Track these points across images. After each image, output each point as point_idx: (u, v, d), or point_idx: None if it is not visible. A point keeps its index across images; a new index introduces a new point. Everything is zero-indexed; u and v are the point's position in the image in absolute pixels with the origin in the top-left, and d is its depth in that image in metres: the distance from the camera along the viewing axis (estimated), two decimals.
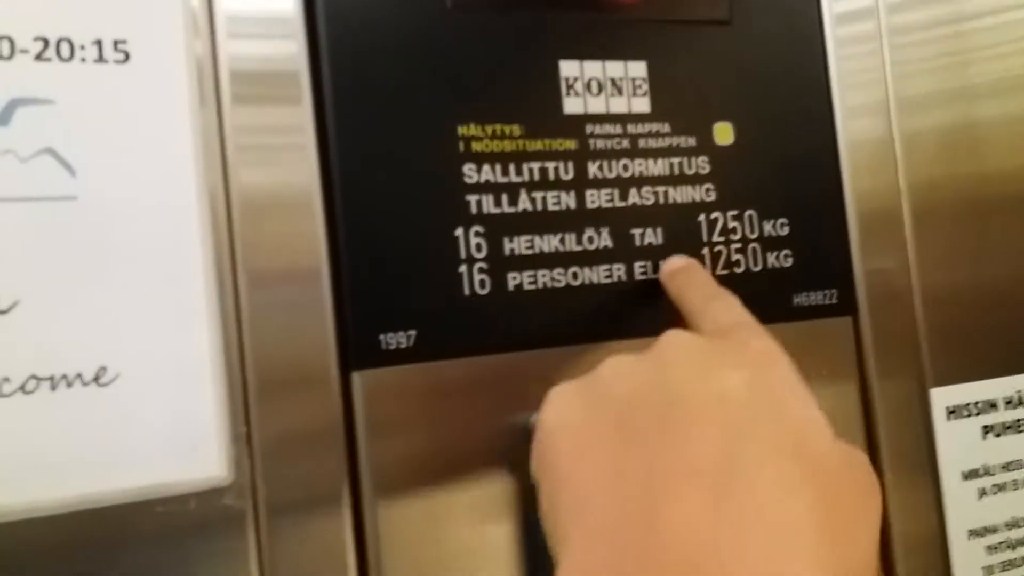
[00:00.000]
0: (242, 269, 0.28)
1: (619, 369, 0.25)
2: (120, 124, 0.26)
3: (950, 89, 0.41)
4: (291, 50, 0.29)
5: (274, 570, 0.27)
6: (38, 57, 0.25)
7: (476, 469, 0.30)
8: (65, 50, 0.25)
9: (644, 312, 0.33)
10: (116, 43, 0.26)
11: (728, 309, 0.29)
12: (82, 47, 0.25)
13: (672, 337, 0.26)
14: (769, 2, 0.37)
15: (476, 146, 0.31)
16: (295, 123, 0.29)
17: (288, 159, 0.29)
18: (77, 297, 0.25)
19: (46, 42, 0.25)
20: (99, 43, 0.26)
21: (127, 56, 0.26)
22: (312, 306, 0.28)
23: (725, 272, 0.35)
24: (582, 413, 0.25)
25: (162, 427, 0.26)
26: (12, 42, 0.25)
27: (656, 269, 0.33)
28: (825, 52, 0.38)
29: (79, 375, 0.25)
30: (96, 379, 0.25)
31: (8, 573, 0.24)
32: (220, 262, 0.27)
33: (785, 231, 0.36)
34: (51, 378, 0.25)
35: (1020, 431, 0.40)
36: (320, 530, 0.28)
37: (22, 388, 0.24)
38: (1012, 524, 0.39)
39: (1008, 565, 0.39)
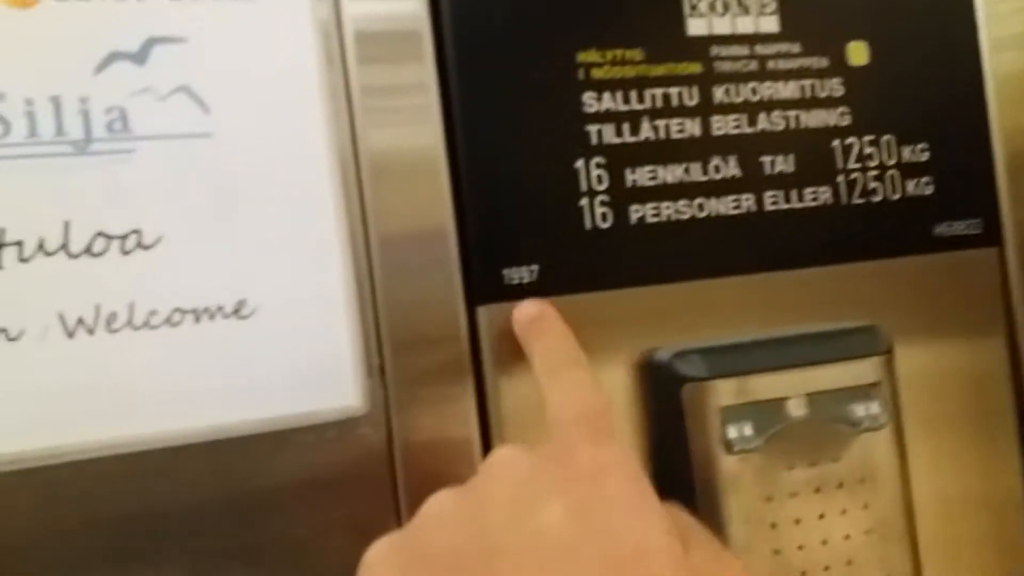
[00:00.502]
0: (371, 208, 0.28)
1: (438, 518, 0.23)
2: (249, 62, 0.26)
3: None
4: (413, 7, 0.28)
5: (409, 499, 0.27)
6: None
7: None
8: None
9: (775, 244, 0.32)
10: None
11: (568, 397, 0.25)
12: None
13: (498, 462, 0.23)
14: None
15: (596, 73, 0.30)
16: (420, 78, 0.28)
17: (414, 106, 0.28)
18: (216, 233, 0.26)
19: None
20: None
21: None
22: (439, 243, 0.28)
23: (862, 200, 0.33)
24: None
25: (300, 359, 0.27)
26: None
27: (788, 199, 0.32)
28: None
29: (220, 308, 0.26)
30: (236, 312, 0.26)
31: (154, 499, 0.26)
32: (350, 201, 0.27)
33: (925, 157, 0.34)
34: (194, 311, 0.25)
35: None
36: (450, 458, 0.28)
37: (168, 320, 0.25)
38: None
39: None
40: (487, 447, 0.29)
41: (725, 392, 0.29)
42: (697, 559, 0.22)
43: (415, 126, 0.28)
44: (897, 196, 0.33)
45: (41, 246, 0.24)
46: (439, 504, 0.23)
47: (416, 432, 0.28)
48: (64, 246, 0.24)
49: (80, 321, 0.24)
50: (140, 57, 0.25)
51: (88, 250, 0.25)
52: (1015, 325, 0.35)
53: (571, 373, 0.26)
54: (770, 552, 0.29)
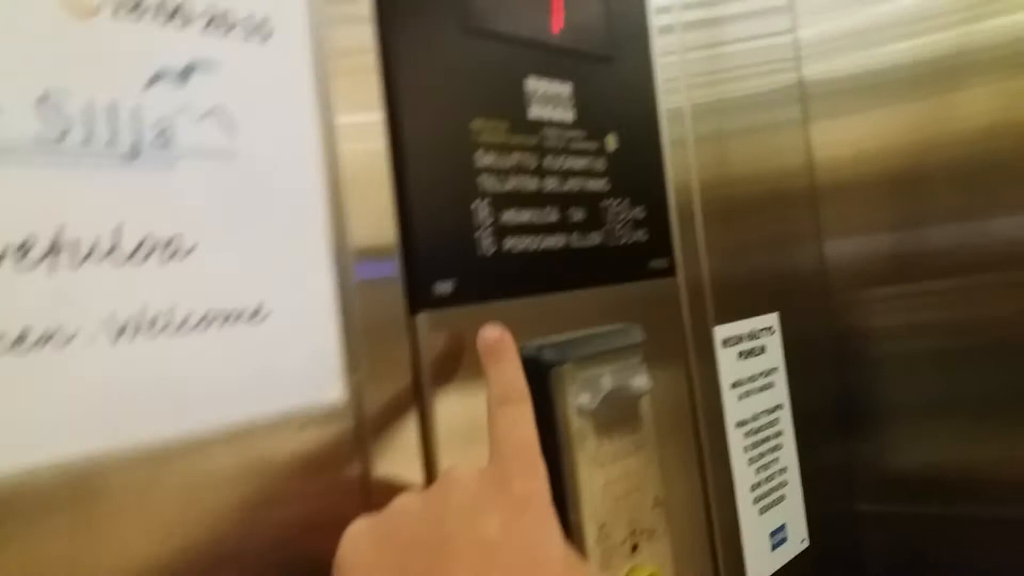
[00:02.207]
0: (345, 230, 0.33)
1: (407, 511, 0.30)
2: (266, 93, 0.30)
3: (711, 103, 0.59)
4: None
5: (374, 471, 0.33)
6: (206, 27, 0.28)
7: None
8: (226, 23, 0.28)
9: (578, 270, 0.44)
10: (263, 21, 0.29)
11: (511, 432, 0.32)
12: (237, 23, 0.29)
13: (453, 476, 0.30)
14: (630, 41, 0.51)
15: (482, 137, 0.39)
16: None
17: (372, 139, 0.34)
18: (239, 243, 0.28)
19: (212, 15, 0.28)
20: (251, 19, 0.29)
21: (271, 34, 0.30)
22: (389, 259, 0.35)
23: (615, 243, 0.48)
24: (372, 554, 0.29)
25: (302, 359, 0.30)
26: (186, 12, 0.27)
27: (583, 239, 0.45)
28: (655, 85, 0.53)
29: (242, 312, 0.28)
30: (254, 315, 0.29)
31: (178, 497, 0.27)
32: (332, 216, 0.32)
33: (643, 215, 0.50)
34: (223, 314, 0.28)
35: (755, 356, 0.60)
36: (397, 435, 0.34)
37: (203, 321, 0.27)
38: (754, 417, 0.59)
39: (754, 444, 0.59)
40: (424, 424, 0.35)
41: (573, 373, 0.40)
42: (582, 568, 0.31)
43: (374, 166, 0.34)
44: (632, 241, 0.49)
45: (93, 250, 0.24)
46: (408, 501, 0.30)
47: (376, 415, 0.33)
48: (113, 250, 0.25)
49: (127, 324, 0.25)
50: (183, 78, 0.27)
51: (135, 255, 0.25)
52: (684, 326, 0.54)
53: (516, 408, 0.33)
54: (602, 484, 0.41)
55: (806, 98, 0.71)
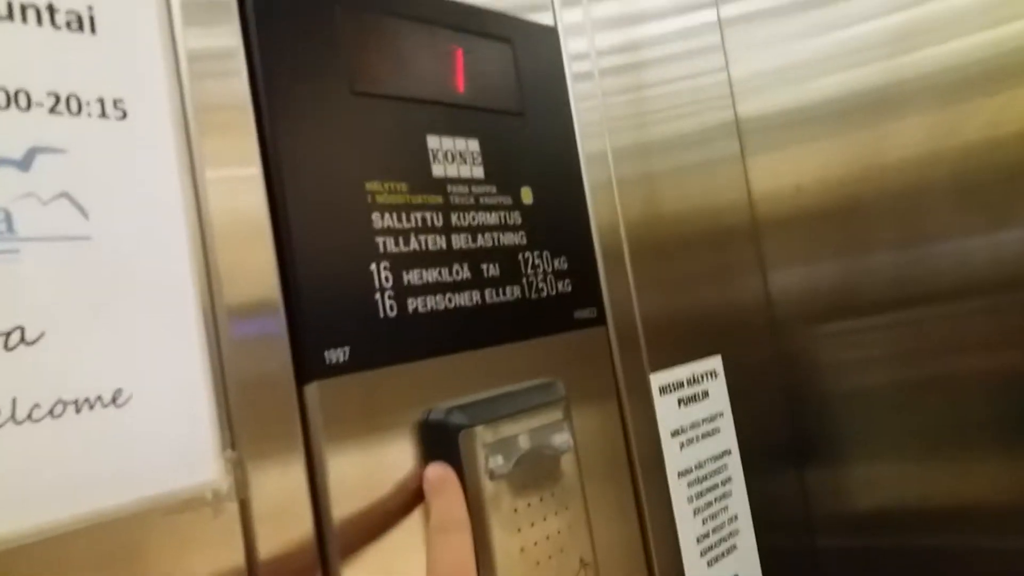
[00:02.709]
0: (219, 304, 0.32)
1: None
2: (122, 172, 0.29)
3: (637, 145, 0.59)
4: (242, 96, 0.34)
5: (255, 554, 0.31)
6: (51, 110, 0.27)
7: (401, 448, 0.37)
8: (74, 105, 0.28)
9: (493, 326, 0.43)
10: (115, 101, 0.29)
11: (447, 554, 0.34)
12: (88, 103, 0.28)
13: None
14: (544, 94, 0.50)
15: (379, 198, 0.39)
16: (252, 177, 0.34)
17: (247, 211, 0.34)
18: (94, 327, 0.27)
19: (57, 97, 0.27)
20: (101, 101, 0.28)
21: (125, 114, 0.29)
22: (273, 329, 0.34)
23: (536, 296, 0.47)
24: None
25: (170, 442, 0.29)
26: (29, 95, 0.27)
27: (498, 295, 0.44)
28: (574, 133, 0.52)
29: (99, 398, 0.27)
30: (114, 400, 0.28)
31: None
32: (201, 290, 0.31)
33: (566, 266, 0.50)
34: (75, 401, 0.27)
35: (697, 401, 0.59)
36: (288, 514, 0.33)
37: (51, 412, 0.26)
38: (698, 465, 0.58)
39: (699, 494, 0.57)
40: (317, 507, 0.34)
41: (484, 435, 0.39)
42: None
43: (254, 241, 0.34)
44: (554, 292, 0.48)
45: None
46: None
47: (262, 500, 0.32)
48: None
49: None
50: (24, 164, 0.26)
51: None
52: (616, 374, 0.53)
53: (454, 537, 0.35)
54: (518, 550, 0.40)
55: (743, 134, 0.71)
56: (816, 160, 0.68)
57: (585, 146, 0.53)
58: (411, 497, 0.37)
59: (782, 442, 0.69)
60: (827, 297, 0.68)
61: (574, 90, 0.53)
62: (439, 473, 0.37)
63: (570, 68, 0.53)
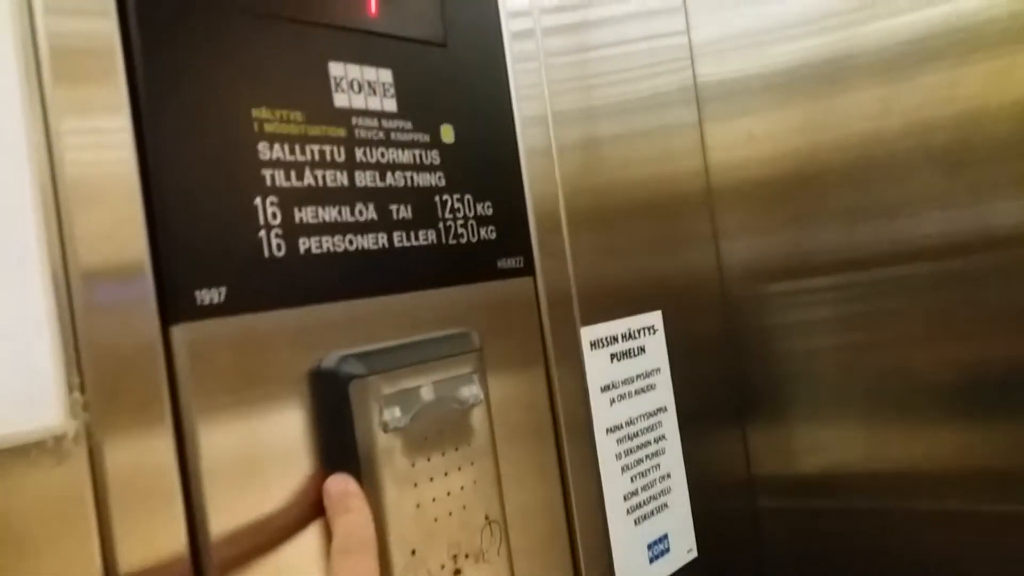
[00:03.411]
0: (68, 231, 0.28)
1: None
2: None
3: (581, 108, 0.56)
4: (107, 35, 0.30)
5: (106, 507, 0.29)
6: None
7: (280, 406, 0.35)
8: None
9: (401, 272, 0.40)
10: None
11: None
12: None
13: None
14: (472, 27, 0.47)
15: (268, 127, 0.35)
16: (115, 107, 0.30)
17: (111, 143, 0.30)
18: None
19: None
20: None
21: None
22: (135, 267, 0.30)
23: (454, 241, 0.44)
24: None
25: (4, 383, 0.26)
26: None
27: (408, 238, 0.41)
28: (507, 68, 0.49)
29: None
30: None
31: None
32: (49, 223, 0.28)
33: (491, 211, 0.46)
34: None
35: (631, 357, 0.57)
36: (149, 466, 0.30)
37: None
38: (629, 422, 0.56)
39: (629, 451, 0.55)
40: (183, 461, 0.31)
41: (379, 385, 0.36)
42: None
43: (112, 164, 0.30)
44: (475, 239, 0.45)
45: None
46: None
47: (117, 449, 0.29)
48: None
49: None
50: None
51: None
52: (543, 327, 0.50)
53: (357, 559, 0.32)
54: (414, 506, 0.37)
55: (700, 100, 0.68)
56: (772, 128, 0.65)
57: (522, 109, 0.49)
58: (307, 511, 0.34)
59: (725, 402, 0.67)
60: (777, 259, 0.66)
61: (512, 50, 0.49)
62: (341, 487, 0.34)
63: (508, 26, 0.49)
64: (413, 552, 0.37)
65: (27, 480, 0.27)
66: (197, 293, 0.32)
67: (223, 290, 0.33)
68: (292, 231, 0.36)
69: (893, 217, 0.61)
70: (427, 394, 0.38)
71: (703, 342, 0.66)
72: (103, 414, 0.29)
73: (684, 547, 0.59)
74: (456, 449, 0.40)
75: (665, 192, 0.64)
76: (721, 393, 0.67)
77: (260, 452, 0.34)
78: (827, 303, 0.65)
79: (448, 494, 0.39)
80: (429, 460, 0.38)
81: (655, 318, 0.59)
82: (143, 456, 0.30)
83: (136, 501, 0.30)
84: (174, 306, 0.31)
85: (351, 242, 0.38)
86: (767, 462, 0.69)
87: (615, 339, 0.55)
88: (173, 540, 0.31)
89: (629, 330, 0.57)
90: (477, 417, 0.41)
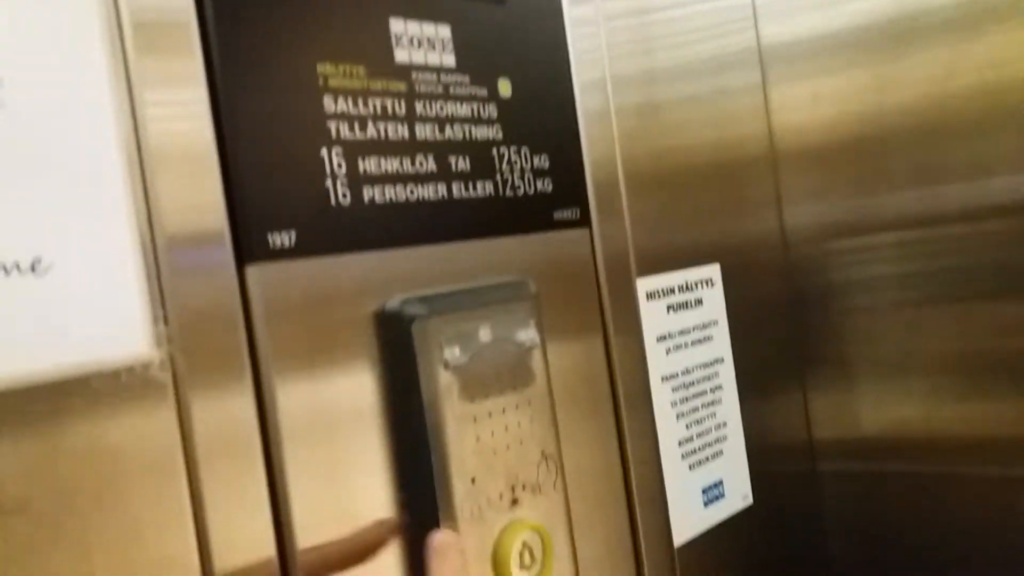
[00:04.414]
0: (152, 183, 0.30)
1: None
2: (38, 40, 0.27)
3: (642, 71, 0.55)
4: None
5: (191, 433, 0.31)
6: None
7: (347, 346, 0.36)
8: None
9: (460, 221, 0.41)
10: None
11: None
12: None
13: None
14: None
15: (332, 82, 0.37)
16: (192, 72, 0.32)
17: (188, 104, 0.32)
18: (11, 195, 0.26)
19: None
20: None
21: None
22: (212, 213, 0.32)
23: (511, 193, 0.44)
24: None
25: (95, 313, 0.28)
26: None
27: (467, 189, 0.42)
28: (564, 30, 0.49)
29: (16, 264, 0.27)
30: (32, 269, 0.27)
31: None
32: (133, 174, 0.30)
33: (547, 164, 0.47)
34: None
35: (688, 308, 0.56)
36: (227, 400, 0.32)
37: None
38: (685, 371, 0.56)
39: (684, 399, 0.55)
40: (259, 387, 0.33)
41: (440, 326, 0.38)
42: None
43: (190, 120, 0.32)
44: (532, 191, 0.46)
45: None
46: None
47: (197, 375, 0.31)
48: None
49: None
50: None
51: None
52: (599, 277, 0.50)
53: None
54: (473, 439, 0.39)
55: (764, 62, 0.66)
56: (838, 88, 0.63)
57: (581, 72, 0.49)
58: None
59: (786, 361, 0.66)
60: (840, 218, 0.64)
61: (570, 15, 0.49)
62: (445, 540, 0.36)
63: None
64: (473, 480, 0.38)
65: (118, 405, 0.29)
66: (269, 236, 0.34)
67: (293, 234, 0.34)
68: (356, 180, 0.37)
69: (962, 178, 0.58)
70: (485, 335, 0.40)
71: (763, 299, 0.65)
72: (185, 345, 0.31)
73: (739, 494, 0.59)
74: (513, 389, 0.41)
75: (727, 155, 0.63)
76: (782, 353, 0.66)
77: (329, 390, 0.35)
78: (891, 260, 0.63)
79: (506, 429, 0.40)
80: (487, 398, 0.39)
81: (713, 271, 0.59)
82: (221, 387, 0.32)
83: (217, 429, 0.32)
84: (248, 247, 0.33)
85: (412, 192, 0.39)
86: (827, 424, 0.67)
87: (672, 290, 0.55)
88: (252, 476, 0.33)
89: (686, 282, 0.57)
90: (533, 359, 0.42)
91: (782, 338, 0.66)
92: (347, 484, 0.36)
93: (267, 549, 0.32)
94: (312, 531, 0.34)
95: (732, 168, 0.63)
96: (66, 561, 0.27)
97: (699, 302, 0.57)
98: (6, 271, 0.26)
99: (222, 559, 0.31)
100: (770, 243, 0.66)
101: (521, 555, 0.39)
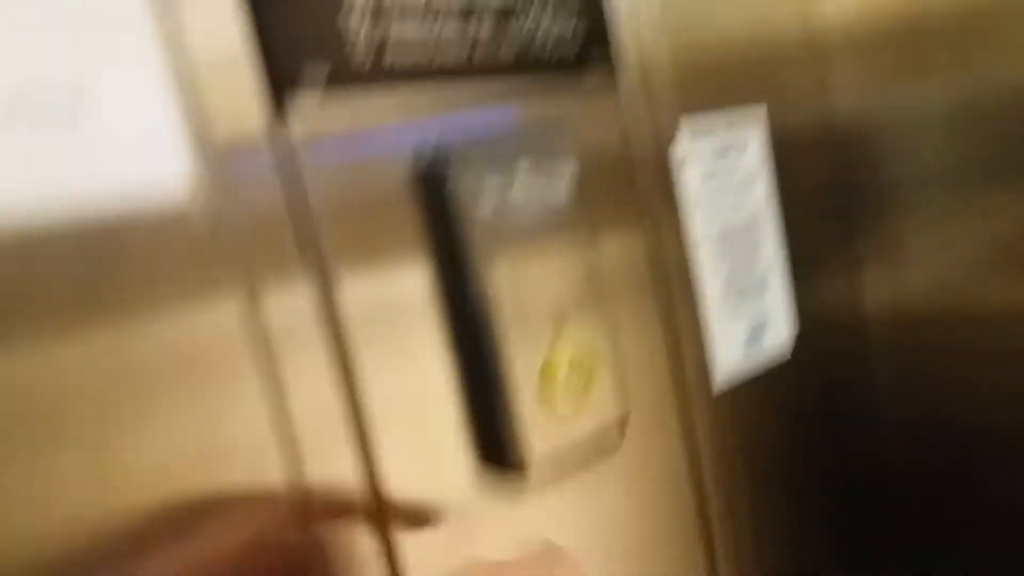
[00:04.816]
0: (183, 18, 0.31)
1: None
2: None
3: None
4: None
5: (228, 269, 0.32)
6: None
7: (384, 181, 0.37)
8: None
9: (495, 60, 0.41)
10: None
11: None
12: None
13: None
14: None
15: None
16: None
17: None
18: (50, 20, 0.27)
19: None
20: None
21: None
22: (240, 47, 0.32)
23: (542, 36, 0.43)
24: None
25: (136, 149, 0.29)
26: None
27: (499, 29, 0.41)
28: None
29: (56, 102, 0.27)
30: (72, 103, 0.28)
31: (15, 296, 0.27)
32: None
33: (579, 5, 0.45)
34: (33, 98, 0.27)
35: (732, 150, 0.55)
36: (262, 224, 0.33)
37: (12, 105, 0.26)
38: (727, 217, 0.55)
39: (725, 235, 0.55)
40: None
41: (478, 171, 0.38)
42: None
43: None
44: (568, 33, 0.44)
45: None
46: None
47: (237, 214, 0.32)
48: None
49: None
50: None
51: None
52: (636, 123, 0.49)
53: None
54: (518, 275, 0.39)
55: None
56: None
57: None
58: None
59: (830, 205, 0.64)
60: (890, 92, 0.60)
61: None
62: (550, 552, 0.40)
63: None
64: (519, 303, 0.39)
65: (169, 243, 0.30)
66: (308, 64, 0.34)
67: (327, 66, 0.34)
68: (384, 16, 0.36)
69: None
70: (523, 185, 0.39)
71: (806, 141, 0.62)
72: (225, 185, 0.32)
73: (783, 338, 0.59)
74: (551, 235, 0.41)
75: (767, 39, 0.59)
76: (827, 195, 0.64)
77: (368, 221, 0.36)
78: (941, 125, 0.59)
79: (551, 268, 0.40)
80: (527, 243, 0.40)
81: (759, 112, 0.57)
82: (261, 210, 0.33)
83: (268, 254, 0.33)
84: (282, 80, 0.33)
85: (442, 29, 0.38)
86: (878, 285, 0.65)
87: (713, 131, 0.54)
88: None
89: (729, 123, 0.55)
90: (571, 202, 0.42)
91: (825, 182, 0.64)
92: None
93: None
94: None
95: (774, 52, 0.59)
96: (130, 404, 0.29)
97: (743, 148, 0.56)
98: (43, 105, 0.27)
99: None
100: (811, 81, 0.63)
101: (567, 377, 0.40)
